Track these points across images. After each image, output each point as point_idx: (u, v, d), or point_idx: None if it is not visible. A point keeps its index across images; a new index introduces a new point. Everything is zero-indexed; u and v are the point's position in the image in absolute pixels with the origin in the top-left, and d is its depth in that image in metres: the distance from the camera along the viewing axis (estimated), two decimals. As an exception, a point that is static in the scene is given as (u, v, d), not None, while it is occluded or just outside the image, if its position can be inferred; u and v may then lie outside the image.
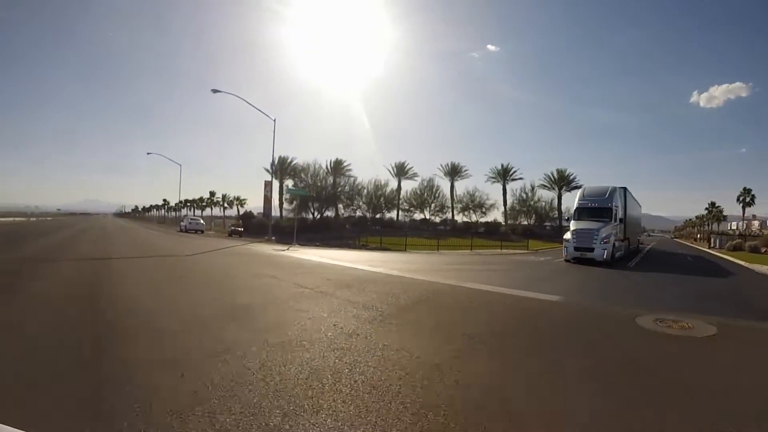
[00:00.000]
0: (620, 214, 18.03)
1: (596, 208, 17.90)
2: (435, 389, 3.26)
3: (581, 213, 18.12)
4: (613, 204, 17.69)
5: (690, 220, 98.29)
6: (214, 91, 31.39)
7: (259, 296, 7.20)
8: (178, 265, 12.58)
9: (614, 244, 16.71)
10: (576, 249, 16.86)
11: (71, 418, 2.62)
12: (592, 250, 16.36)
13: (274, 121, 31.67)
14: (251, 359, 3.79)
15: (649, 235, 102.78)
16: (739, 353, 4.82)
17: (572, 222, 17.93)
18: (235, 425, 2.55)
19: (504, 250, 25.43)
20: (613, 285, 11.14)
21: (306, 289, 7.92)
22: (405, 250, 24.54)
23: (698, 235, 65.86)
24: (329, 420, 2.67)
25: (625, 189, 19.63)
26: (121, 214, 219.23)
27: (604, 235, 16.36)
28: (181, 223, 47.13)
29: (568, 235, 17.50)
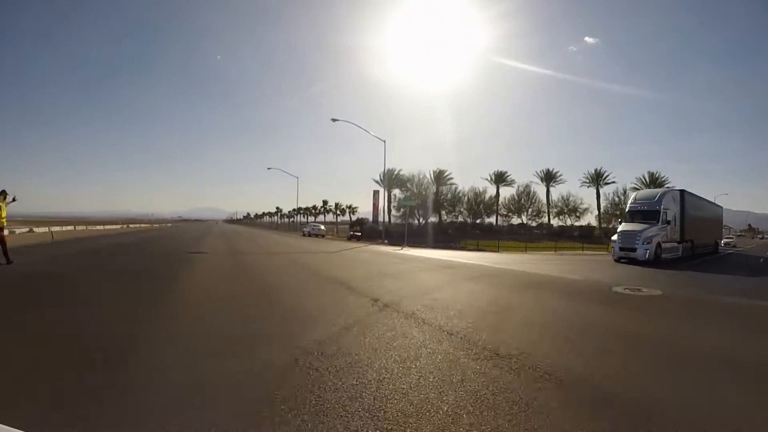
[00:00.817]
0: (669, 217, 18.80)
1: (644, 211, 18.97)
2: (480, 296, 8.27)
3: (633, 215, 19.38)
4: (661, 207, 18.51)
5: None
6: (333, 120, 38.66)
7: (394, 270, 12.67)
8: (331, 257, 18.80)
9: (659, 245, 17.79)
10: (621, 249, 18.28)
11: (337, 293, 8.20)
12: (634, 250, 17.68)
13: (384, 142, 37.99)
14: (399, 287, 9.19)
15: (763, 238, 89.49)
16: (651, 304, 8.81)
17: (621, 224, 19.29)
18: (400, 299, 7.89)
19: (584, 252, 28.17)
20: (633, 275, 13.29)
21: (422, 268, 13.27)
22: (497, 250, 28.79)
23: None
24: (440, 297, 7.85)
25: (682, 191, 20.48)
26: (231, 221, 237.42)
27: (645, 237, 17.57)
28: (304, 229, 56.44)
29: (615, 237, 19.04)
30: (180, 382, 3.32)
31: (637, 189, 51.46)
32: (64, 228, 35.64)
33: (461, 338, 4.89)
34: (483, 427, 2.67)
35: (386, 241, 37.54)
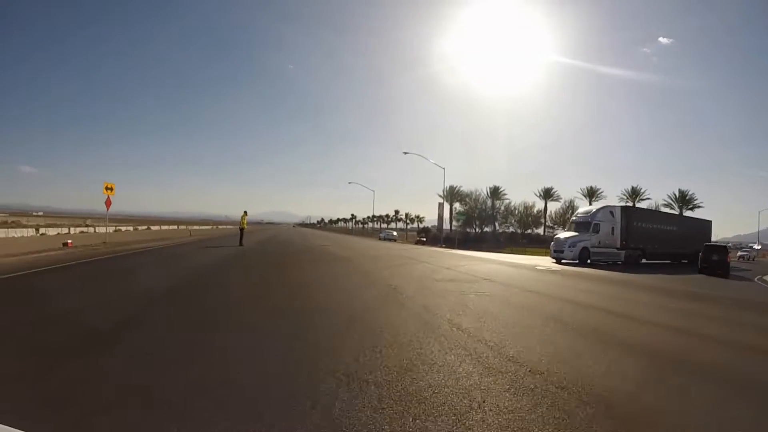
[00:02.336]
0: (603, 228, 22.99)
1: (581, 222, 23.73)
2: (460, 263, 19.15)
3: (577, 226, 24.04)
4: (594, 220, 22.86)
5: None
6: (405, 153, 50.28)
7: (435, 254, 23.60)
8: (404, 251, 30.03)
9: (585, 249, 22.35)
10: (554, 252, 23.36)
11: (403, 259, 19.47)
12: (562, 252, 22.74)
13: (444, 169, 48.83)
14: (431, 259, 20.33)
15: None
16: (545, 271, 18.95)
17: (559, 233, 25.24)
18: (426, 261, 19.01)
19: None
20: (556, 266, 21.75)
21: (449, 255, 24.19)
22: (524, 253, 38.45)
23: None
24: (444, 262, 18.85)
25: (624, 207, 24.94)
26: (304, 225, 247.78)
27: (571, 242, 22.58)
28: (380, 234, 68.48)
29: (552, 243, 24.39)
30: (392, 260, 14.88)
31: (667, 206, 57.06)
32: (170, 227, 41.89)
33: (437, 266, 15.95)
34: (450, 286, 13.87)
35: (444, 245, 48.25)
